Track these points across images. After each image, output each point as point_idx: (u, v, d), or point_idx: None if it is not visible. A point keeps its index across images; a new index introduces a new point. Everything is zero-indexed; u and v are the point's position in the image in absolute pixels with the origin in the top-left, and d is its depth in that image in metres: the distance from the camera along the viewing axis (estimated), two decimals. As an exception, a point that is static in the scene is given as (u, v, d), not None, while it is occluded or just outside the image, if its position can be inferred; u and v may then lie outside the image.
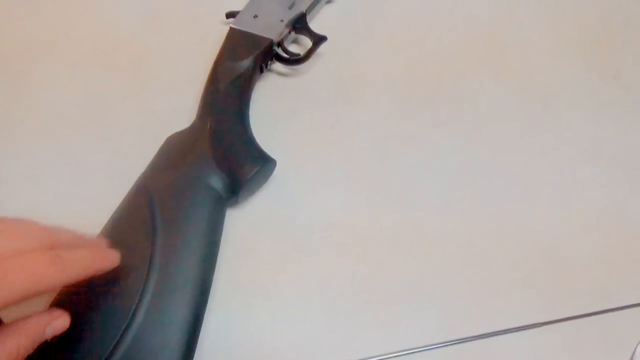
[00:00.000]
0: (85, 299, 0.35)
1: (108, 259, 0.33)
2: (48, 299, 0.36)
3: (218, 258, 0.40)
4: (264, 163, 0.41)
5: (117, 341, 0.34)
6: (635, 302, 0.42)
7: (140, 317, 0.34)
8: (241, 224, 0.43)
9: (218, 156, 0.41)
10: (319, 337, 0.40)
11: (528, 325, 0.41)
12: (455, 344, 0.40)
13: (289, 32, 0.49)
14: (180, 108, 0.46)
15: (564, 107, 0.50)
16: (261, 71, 0.47)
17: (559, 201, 0.45)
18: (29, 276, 0.27)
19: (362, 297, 0.41)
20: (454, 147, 0.47)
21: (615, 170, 0.47)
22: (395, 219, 0.44)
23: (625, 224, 0.45)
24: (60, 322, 0.31)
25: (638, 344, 0.41)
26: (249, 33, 0.46)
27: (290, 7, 0.48)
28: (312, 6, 0.50)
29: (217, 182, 0.40)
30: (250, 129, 0.43)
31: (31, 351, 0.29)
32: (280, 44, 0.48)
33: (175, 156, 0.41)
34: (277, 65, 0.49)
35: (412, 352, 0.40)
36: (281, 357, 0.39)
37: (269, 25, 0.47)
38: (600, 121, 0.49)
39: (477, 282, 0.42)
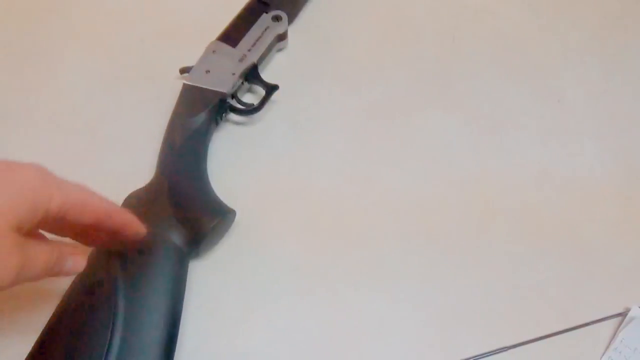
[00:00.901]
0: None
1: (136, 221, 0.36)
2: None
3: (184, 311, 0.41)
4: (223, 215, 0.42)
5: None
6: (592, 319, 0.44)
7: None
8: (204, 275, 0.44)
9: (178, 212, 0.41)
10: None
11: (495, 350, 0.42)
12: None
13: (242, 84, 0.50)
14: (138, 166, 0.46)
15: (512, 134, 0.52)
16: (217, 124, 0.49)
17: (513, 228, 0.47)
18: (88, 193, 0.33)
19: (329, 335, 0.42)
20: (410, 179, 0.49)
21: (565, 192, 0.49)
22: (360, 256, 0.45)
23: (579, 244, 0.46)
24: (80, 261, 0.34)
25: (601, 358, 0.42)
26: (202, 88, 0.48)
27: (241, 59, 0.49)
28: (262, 57, 0.51)
29: (177, 237, 0.41)
30: (208, 181, 0.44)
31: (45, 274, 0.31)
32: (234, 96, 0.49)
33: (135, 214, 0.42)
34: (233, 115, 0.51)
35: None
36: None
37: (221, 79, 0.48)
38: (548, 144, 0.51)
39: (437, 312, 0.43)
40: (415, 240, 0.46)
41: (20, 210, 0.28)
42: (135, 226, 0.36)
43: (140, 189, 0.44)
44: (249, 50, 0.50)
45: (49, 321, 0.38)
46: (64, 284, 0.40)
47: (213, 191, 0.44)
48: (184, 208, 0.42)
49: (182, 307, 0.40)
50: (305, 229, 0.46)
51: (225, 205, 0.43)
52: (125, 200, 0.43)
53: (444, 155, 0.50)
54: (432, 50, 0.57)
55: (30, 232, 0.30)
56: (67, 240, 0.36)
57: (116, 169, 0.48)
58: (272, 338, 0.42)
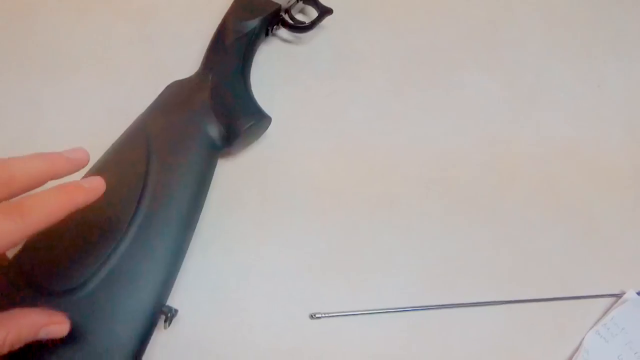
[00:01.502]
0: (74, 221, 0.36)
1: (86, 192, 0.30)
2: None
3: (206, 204, 0.42)
4: (260, 118, 0.43)
5: (99, 266, 0.35)
6: (589, 294, 0.45)
7: (124, 245, 0.36)
8: (230, 174, 0.45)
9: (217, 106, 0.42)
10: (290, 289, 0.42)
11: (491, 302, 0.43)
12: (418, 310, 0.42)
13: (297, 1, 0.50)
14: (183, 59, 0.47)
15: (548, 108, 0.52)
16: (266, 34, 0.49)
17: (532, 194, 0.48)
18: (19, 216, 0.26)
19: (336, 258, 0.43)
20: (438, 131, 0.50)
21: (586, 172, 0.50)
22: (378, 191, 0.46)
23: (590, 223, 0.47)
24: (58, 328, 0.30)
25: (587, 333, 0.44)
26: (260, -4, 0.48)
27: (302, -23, 0.49)
28: (322, -21, 0.51)
29: (213, 130, 0.42)
30: (250, 86, 0.45)
31: (17, 347, 0.28)
32: (287, 11, 0.49)
33: (176, 102, 0.42)
34: (282, 32, 0.51)
35: (376, 312, 0.42)
36: (249, 305, 0.41)
37: (279, -9, 0.48)
38: (579, 125, 0.52)
39: (446, 257, 0.45)
40: (434, 187, 0.47)
41: None
42: (97, 192, 0.31)
43: (184, 79, 0.44)
44: (312, -31, 0.50)
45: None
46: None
47: (253, 95, 0.44)
48: (223, 104, 0.42)
49: (205, 196, 0.41)
50: (331, 154, 0.47)
51: (263, 110, 0.44)
52: (167, 86, 0.44)
53: (478, 114, 0.51)
54: (485, 10, 0.57)
55: None
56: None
57: (162, 57, 0.48)
58: (281, 247, 0.43)
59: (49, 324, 0.30)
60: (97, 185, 0.30)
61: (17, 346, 0.28)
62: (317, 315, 0.41)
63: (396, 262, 0.44)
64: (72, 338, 0.33)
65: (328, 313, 0.42)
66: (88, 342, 0.33)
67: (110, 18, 0.51)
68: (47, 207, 0.27)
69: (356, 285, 0.43)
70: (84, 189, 0.30)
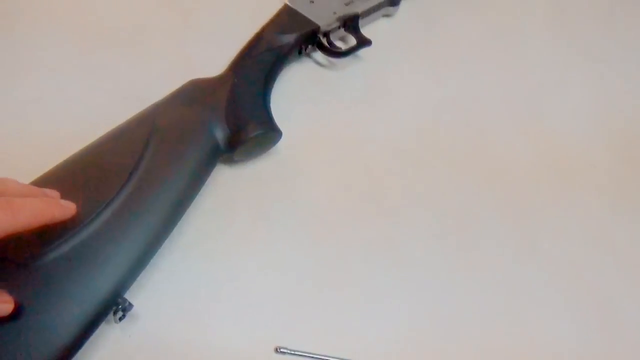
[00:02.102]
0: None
1: (62, 208, 0.32)
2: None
3: (196, 206, 0.41)
4: (270, 129, 0.42)
5: (65, 239, 0.33)
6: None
7: (98, 223, 0.34)
8: (229, 182, 0.43)
9: (230, 110, 0.41)
10: (260, 314, 0.39)
11: None
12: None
13: (338, 27, 0.49)
14: (211, 60, 0.46)
15: (583, 187, 0.48)
16: (299, 52, 0.48)
17: (551, 279, 0.44)
18: None
19: (316, 293, 0.41)
20: (458, 187, 0.47)
21: (617, 263, 0.45)
22: (378, 235, 0.43)
23: (614, 320, 0.43)
24: (2, 307, 0.30)
25: None
26: (301, 14, 0.47)
27: (347, 4, 0.49)
28: (368, 12, 0.51)
29: (219, 132, 0.40)
30: (269, 98, 0.44)
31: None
32: (326, 34, 0.49)
33: (191, 97, 0.42)
34: (317, 55, 0.50)
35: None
36: (213, 321, 0.38)
37: (322, 13, 0.48)
38: (617, 211, 0.48)
39: (439, 326, 0.41)
40: (438, 244, 0.44)
41: None
42: (65, 215, 0.32)
43: (206, 78, 0.44)
44: (359, -1, 0.49)
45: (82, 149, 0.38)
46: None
47: (269, 108, 0.43)
48: (236, 108, 0.41)
49: (194, 195, 0.40)
50: (337, 185, 0.45)
51: (275, 123, 0.42)
52: (188, 82, 0.43)
53: (502, 178, 0.48)
54: (537, 75, 0.54)
55: None
56: None
57: (191, 54, 0.48)
58: (260, 270, 0.41)
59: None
60: (71, 207, 0.33)
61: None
62: (281, 350, 0.38)
63: (376, 315, 0.40)
64: (16, 309, 0.31)
65: (294, 350, 0.38)
66: (32, 315, 0.31)
67: (150, 4, 0.52)
68: (34, 210, 0.30)
69: (330, 327, 0.40)
70: (62, 205, 0.32)
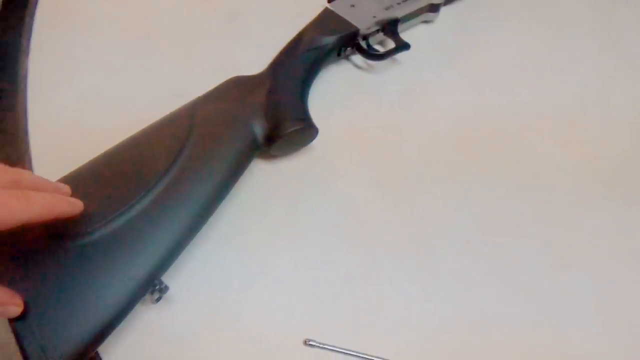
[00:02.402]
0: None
1: (71, 204, 0.33)
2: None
3: (232, 198, 0.42)
4: (307, 126, 0.43)
5: (111, 219, 0.35)
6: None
7: (141, 206, 0.36)
8: (265, 176, 0.45)
9: (269, 106, 0.42)
10: (291, 307, 0.40)
11: None
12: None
13: (377, 31, 0.50)
14: (253, 59, 0.48)
15: (627, 200, 0.47)
16: (338, 54, 0.49)
17: (588, 291, 0.42)
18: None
19: (348, 289, 0.41)
20: (494, 194, 0.46)
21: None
22: (412, 236, 0.43)
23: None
24: (13, 309, 0.32)
25: None
26: (341, 17, 0.48)
27: (387, 8, 0.50)
28: (408, 17, 0.51)
29: (258, 127, 0.42)
30: (307, 97, 0.45)
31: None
32: (365, 37, 0.50)
33: (231, 93, 0.43)
34: (356, 57, 0.51)
35: (371, 358, 0.39)
36: (244, 311, 0.39)
37: (362, 17, 0.49)
38: None
39: (468, 330, 0.40)
40: (471, 249, 0.44)
41: None
42: (73, 212, 0.33)
43: (247, 75, 0.45)
44: (399, 4, 0.50)
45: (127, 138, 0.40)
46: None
47: (307, 106, 0.44)
48: (275, 105, 0.43)
49: (232, 187, 0.41)
50: (372, 185, 0.46)
51: (312, 120, 0.43)
52: (229, 79, 0.45)
53: (543, 185, 0.47)
54: (575, 87, 0.53)
55: None
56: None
57: (234, 54, 0.50)
58: (293, 263, 0.42)
59: (8, 302, 0.31)
60: (79, 205, 0.34)
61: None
62: (310, 342, 0.39)
63: (407, 315, 0.40)
64: (61, 282, 0.33)
65: (323, 344, 0.39)
66: (75, 289, 0.33)
67: (198, 6, 0.54)
68: (46, 203, 0.31)
69: (359, 323, 0.40)
70: (71, 202, 0.33)
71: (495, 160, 0.48)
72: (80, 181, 0.36)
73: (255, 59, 0.48)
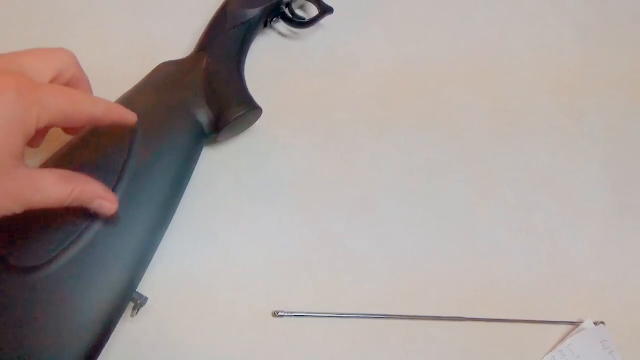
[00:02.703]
0: None
1: (128, 111, 0.34)
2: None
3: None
4: (251, 108, 0.42)
5: (69, 243, 0.34)
6: (548, 320, 0.46)
7: (99, 223, 0.35)
8: (209, 159, 0.44)
9: (209, 92, 0.41)
10: (255, 284, 0.42)
11: (453, 318, 0.44)
12: (381, 318, 0.43)
13: (299, -3, 0.50)
14: (175, 37, 0.46)
15: (528, 135, 0.53)
16: (265, 25, 0.48)
17: (505, 217, 0.49)
18: (73, 102, 0.29)
19: (305, 256, 0.44)
20: (422, 143, 0.50)
21: (559, 202, 0.51)
22: (356, 194, 0.46)
23: (556, 252, 0.49)
24: (108, 206, 0.33)
25: (544, 357, 0.45)
26: (263, -14, 0.47)
27: (307, -27, 0.49)
28: (326, -22, 0.51)
29: (202, 116, 0.41)
30: (244, 75, 0.44)
31: (75, 204, 0.31)
32: (288, 5, 0.49)
33: (166, 83, 0.41)
34: (280, 26, 0.51)
35: (340, 317, 0.42)
36: (214, 295, 0.41)
37: (282, -16, 0.48)
38: (557, 155, 0.53)
39: (416, 269, 0.45)
40: (413, 197, 0.48)
41: (16, 145, 0.27)
42: (128, 118, 0.34)
43: (176, 60, 0.43)
44: (317, -32, 0.49)
45: (71, 141, 0.38)
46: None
47: (246, 85, 0.44)
48: (216, 90, 0.42)
49: (188, 181, 0.41)
50: (313, 151, 0.47)
51: (255, 101, 0.43)
52: (159, 66, 0.43)
53: (462, 132, 0.52)
54: (481, 34, 0.57)
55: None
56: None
57: (151, 34, 0.47)
58: (250, 241, 0.43)
59: (104, 197, 0.33)
60: (134, 116, 0.35)
61: (75, 204, 0.31)
62: (280, 314, 0.41)
63: (366, 268, 0.44)
64: (32, 317, 0.31)
65: (291, 312, 0.41)
66: (47, 323, 0.32)
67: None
68: (109, 104, 0.32)
69: (323, 286, 0.43)
70: (130, 112, 0.34)
71: (419, 112, 0.51)
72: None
73: (176, 36, 0.46)
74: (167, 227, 0.38)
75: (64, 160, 0.36)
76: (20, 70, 0.29)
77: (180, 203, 0.41)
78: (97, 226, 0.34)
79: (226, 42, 0.44)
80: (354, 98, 0.51)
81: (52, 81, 0.31)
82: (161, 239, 0.38)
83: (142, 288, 0.38)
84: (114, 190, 0.36)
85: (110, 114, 0.32)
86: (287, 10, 0.49)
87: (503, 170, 0.51)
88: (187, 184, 0.40)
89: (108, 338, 0.34)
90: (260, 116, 0.44)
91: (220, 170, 0.44)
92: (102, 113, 0.31)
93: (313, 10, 0.51)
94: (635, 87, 0.59)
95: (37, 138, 0.34)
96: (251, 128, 0.46)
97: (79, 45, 0.46)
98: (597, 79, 0.59)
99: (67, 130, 0.36)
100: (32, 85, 0.28)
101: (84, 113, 0.30)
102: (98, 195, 0.32)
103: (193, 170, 0.41)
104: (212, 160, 0.45)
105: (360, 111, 0.50)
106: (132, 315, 0.36)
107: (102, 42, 0.47)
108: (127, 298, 0.35)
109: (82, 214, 0.34)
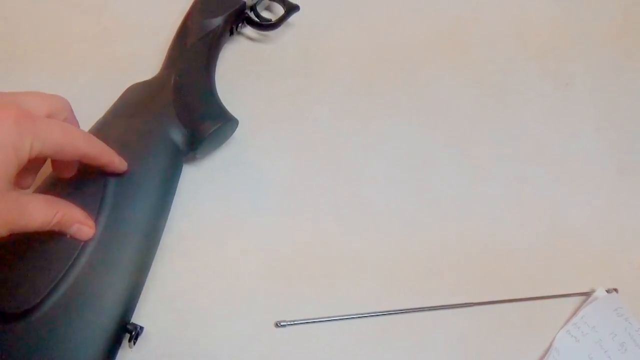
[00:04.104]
0: (27, 239, 0.34)
1: (119, 158, 0.36)
2: None
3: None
4: (226, 121, 0.42)
5: (55, 284, 0.33)
6: (558, 294, 0.45)
7: (83, 260, 0.34)
8: (192, 176, 0.44)
9: (180, 110, 0.40)
10: (253, 296, 0.41)
11: (460, 304, 0.43)
12: (385, 314, 0.42)
13: (262, -2, 0.49)
14: (140, 57, 0.45)
15: (516, 107, 0.52)
16: (231, 33, 0.47)
17: (501, 194, 0.48)
18: (67, 135, 0.31)
19: (301, 262, 0.43)
20: (408, 130, 0.49)
21: (555, 171, 0.49)
22: (345, 192, 0.45)
23: (558, 223, 0.47)
24: (86, 230, 0.34)
25: (558, 333, 0.44)
26: (222, -7, 0.46)
27: (266, -27, 0.48)
28: (287, -24, 0.50)
29: (177, 135, 0.40)
30: (215, 87, 0.43)
31: (56, 229, 0.32)
32: (252, 8, 0.48)
33: (137, 106, 0.40)
34: (247, 30, 0.49)
35: (343, 319, 0.41)
36: (211, 314, 0.40)
37: (243, -13, 0.47)
38: (548, 123, 0.52)
39: (416, 260, 0.44)
40: (403, 188, 0.46)
41: (8, 170, 0.28)
42: (118, 164, 0.36)
43: (145, 81, 0.42)
44: (274, -34, 0.48)
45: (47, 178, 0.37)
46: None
47: (218, 97, 0.43)
48: (187, 107, 0.41)
49: (170, 204, 0.40)
50: (297, 154, 0.46)
51: (229, 113, 0.42)
52: (128, 89, 0.42)
53: (447, 112, 0.50)
54: (454, 9, 0.56)
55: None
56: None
57: (117, 56, 0.46)
58: (243, 253, 0.42)
59: (83, 222, 0.34)
60: (125, 164, 0.37)
61: (56, 228, 0.32)
62: (282, 324, 0.40)
63: (363, 266, 0.43)
64: None
65: (294, 321, 0.41)
66: None
67: (61, 8, 0.49)
68: (104, 148, 0.34)
69: (322, 290, 0.42)
70: (121, 158, 0.36)
71: (401, 99, 0.50)
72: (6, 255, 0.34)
73: (142, 56, 0.46)
74: (154, 253, 0.38)
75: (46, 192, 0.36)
76: (18, 103, 0.30)
77: (167, 225, 0.40)
78: (80, 263, 0.34)
79: (192, 56, 0.43)
80: (332, 94, 0.49)
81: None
82: (150, 266, 0.37)
83: (137, 316, 0.37)
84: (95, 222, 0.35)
85: (102, 157, 0.34)
86: (252, 14, 0.48)
87: (494, 146, 0.50)
88: (170, 205, 0.40)
89: None
90: (236, 127, 0.43)
91: (203, 186, 0.44)
92: (95, 153, 0.33)
93: (280, 10, 0.50)
94: (619, 39, 0.57)
95: (29, 175, 0.34)
96: (230, 138, 0.45)
97: (45, 79, 0.46)
98: (581, 38, 0.57)
99: (55, 166, 0.36)
100: (29, 115, 0.29)
101: (78, 148, 0.31)
102: (77, 220, 0.33)
103: (175, 191, 0.40)
104: (193, 178, 0.44)
105: (340, 106, 0.49)
106: (130, 347, 0.35)
107: (68, 72, 0.46)
108: (122, 331, 0.34)
109: (66, 251, 0.34)
